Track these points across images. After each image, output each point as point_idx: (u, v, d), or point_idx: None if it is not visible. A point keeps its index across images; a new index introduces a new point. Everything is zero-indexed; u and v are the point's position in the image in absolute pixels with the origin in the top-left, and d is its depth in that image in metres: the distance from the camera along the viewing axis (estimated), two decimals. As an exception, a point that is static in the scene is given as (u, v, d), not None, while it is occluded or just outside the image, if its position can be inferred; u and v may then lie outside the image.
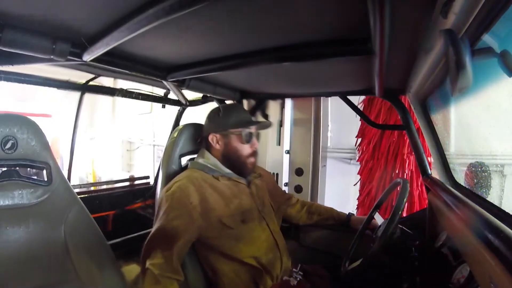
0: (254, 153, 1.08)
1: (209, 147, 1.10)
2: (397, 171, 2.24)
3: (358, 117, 2.00)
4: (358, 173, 2.49)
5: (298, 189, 1.78)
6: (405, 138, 2.22)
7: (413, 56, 0.82)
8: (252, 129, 1.08)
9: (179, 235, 0.90)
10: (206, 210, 0.95)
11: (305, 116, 1.77)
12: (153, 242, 0.90)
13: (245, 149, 1.06)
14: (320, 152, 1.75)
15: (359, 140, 2.48)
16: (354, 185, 2.52)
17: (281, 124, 1.78)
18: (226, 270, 0.98)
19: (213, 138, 1.08)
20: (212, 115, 1.11)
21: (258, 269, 0.99)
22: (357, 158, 2.55)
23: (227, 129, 1.05)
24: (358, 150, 2.52)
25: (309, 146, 1.75)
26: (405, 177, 2.21)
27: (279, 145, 1.79)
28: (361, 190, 2.45)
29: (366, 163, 2.41)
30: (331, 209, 1.35)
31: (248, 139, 1.06)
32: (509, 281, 0.42)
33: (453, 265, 0.75)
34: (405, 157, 2.22)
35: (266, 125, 1.15)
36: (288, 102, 1.77)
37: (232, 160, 1.07)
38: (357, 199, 2.44)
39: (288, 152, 1.80)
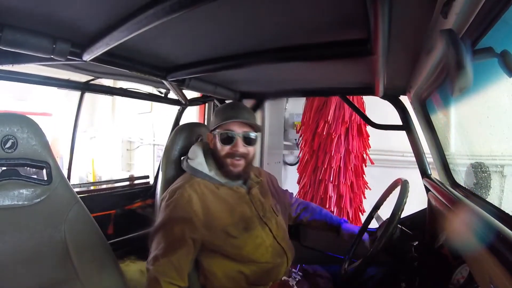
0: (233, 155, 1.00)
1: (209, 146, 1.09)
2: (325, 167, 2.44)
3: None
4: (297, 169, 2.78)
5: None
6: (333, 137, 2.42)
7: (414, 56, 0.82)
8: (235, 130, 1.00)
9: (182, 242, 0.89)
10: (209, 219, 0.94)
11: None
12: (157, 248, 0.89)
13: (224, 149, 1.01)
14: (266, 149, 1.98)
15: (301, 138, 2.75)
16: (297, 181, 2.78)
17: None
18: (224, 275, 0.96)
19: (208, 137, 1.07)
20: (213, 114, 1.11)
21: (259, 274, 0.98)
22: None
23: (213, 128, 1.04)
24: (299, 147, 2.81)
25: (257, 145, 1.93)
26: (332, 172, 2.44)
27: None
28: (298, 183, 2.71)
29: (301, 159, 2.68)
30: (326, 213, 1.30)
31: (225, 141, 1.00)
32: (509, 281, 0.42)
33: (453, 265, 0.75)
34: (332, 154, 2.41)
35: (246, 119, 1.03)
36: None
37: (215, 159, 1.04)
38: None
39: None
